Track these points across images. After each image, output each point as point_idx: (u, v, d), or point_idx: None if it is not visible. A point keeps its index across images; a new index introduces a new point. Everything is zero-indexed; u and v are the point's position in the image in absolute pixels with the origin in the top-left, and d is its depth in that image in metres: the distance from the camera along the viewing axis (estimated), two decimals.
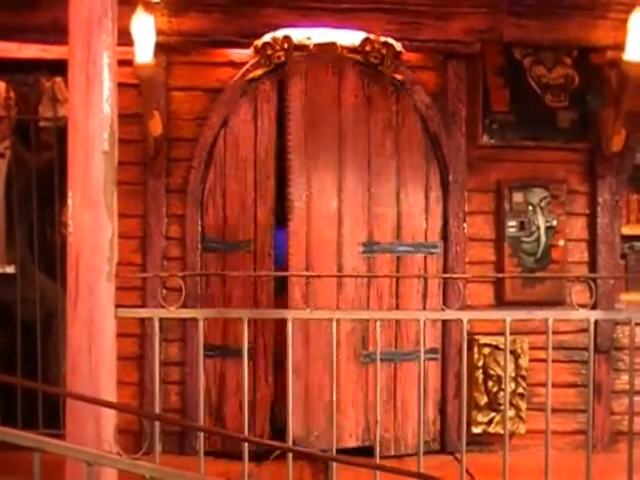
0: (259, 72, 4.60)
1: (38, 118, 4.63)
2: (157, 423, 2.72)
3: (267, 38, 4.53)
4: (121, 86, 4.53)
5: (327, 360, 4.52)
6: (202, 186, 4.67)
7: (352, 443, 4.60)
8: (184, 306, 4.67)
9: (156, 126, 4.46)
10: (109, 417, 2.59)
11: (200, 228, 4.68)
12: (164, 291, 4.67)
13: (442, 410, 4.77)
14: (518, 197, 4.81)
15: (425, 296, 4.75)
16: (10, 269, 4.50)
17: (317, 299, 4.42)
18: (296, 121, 4.64)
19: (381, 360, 4.29)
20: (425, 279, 4.75)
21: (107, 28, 2.59)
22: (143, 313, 2.83)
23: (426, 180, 4.84)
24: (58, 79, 4.59)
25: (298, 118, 4.64)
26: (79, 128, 2.60)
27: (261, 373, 4.67)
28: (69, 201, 2.63)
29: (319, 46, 4.57)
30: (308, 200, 4.65)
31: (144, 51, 4.25)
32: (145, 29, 4.20)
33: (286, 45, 4.55)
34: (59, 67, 4.60)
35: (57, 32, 4.45)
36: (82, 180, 2.60)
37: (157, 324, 2.72)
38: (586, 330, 3.23)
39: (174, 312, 2.72)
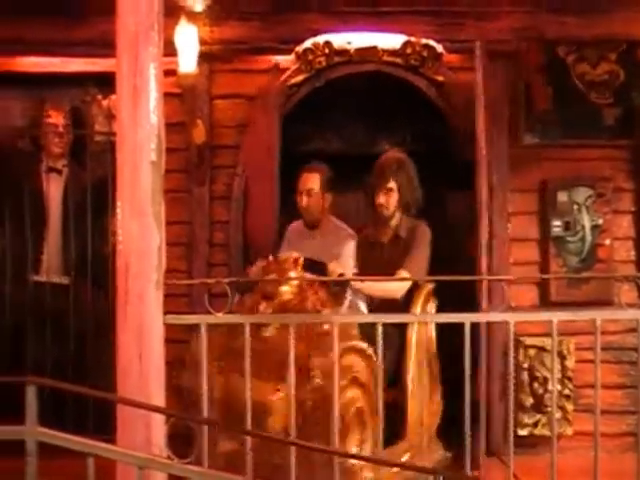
0: (300, 78, 4.65)
1: (94, 134, 4.73)
2: (205, 428, 2.77)
3: (308, 44, 4.58)
4: (165, 96, 4.70)
5: None
6: (245, 192, 4.72)
7: None
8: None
9: (199, 134, 4.53)
10: (159, 422, 2.63)
11: (243, 234, 4.74)
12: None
13: (487, 412, 4.73)
14: (562, 196, 4.76)
15: None
16: (65, 280, 4.60)
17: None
18: None
19: None
20: None
21: (153, 40, 2.65)
22: (191, 319, 2.86)
23: None
24: (113, 96, 4.67)
25: None
26: (127, 139, 2.66)
27: None
28: (118, 211, 2.69)
29: (359, 51, 4.60)
30: None
31: (187, 61, 4.33)
32: (188, 39, 4.28)
33: (327, 50, 4.58)
34: (108, 80, 4.77)
35: (105, 46, 4.63)
36: (130, 190, 2.65)
37: (204, 330, 2.76)
38: (634, 330, 3.19)
39: (221, 318, 2.76)
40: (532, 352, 4.63)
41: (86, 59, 4.66)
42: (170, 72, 4.59)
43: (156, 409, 2.51)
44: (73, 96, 4.86)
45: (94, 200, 4.53)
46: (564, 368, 4.63)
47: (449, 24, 4.65)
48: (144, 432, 2.63)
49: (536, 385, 4.64)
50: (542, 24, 4.66)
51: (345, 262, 4.02)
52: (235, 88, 4.70)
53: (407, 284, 3.85)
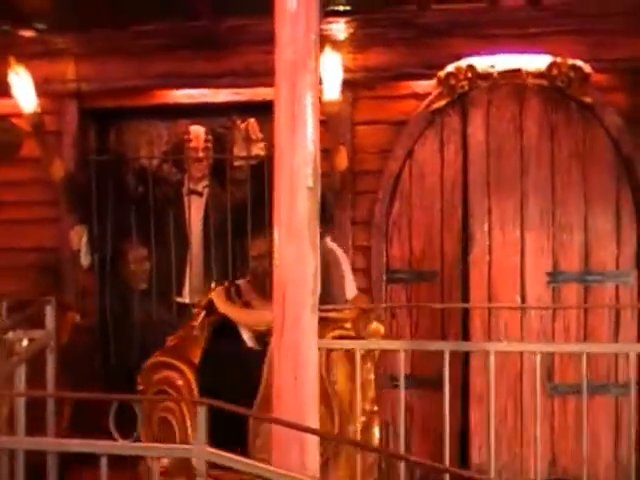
0: (442, 103, 4.61)
1: (234, 158, 4.87)
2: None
3: (451, 68, 4.54)
4: None
5: (511, 391, 4.48)
6: (387, 218, 4.72)
7: (537, 476, 4.43)
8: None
9: (342, 160, 4.57)
10: (313, 444, 2.64)
11: (385, 259, 4.73)
12: None
13: (638, 449, 4.48)
14: None
15: (618, 328, 4.53)
16: None
17: (499, 330, 4.37)
18: (477, 151, 4.62)
19: (569, 393, 4.13)
20: (617, 310, 4.53)
21: (310, 69, 2.69)
22: (346, 345, 2.86)
23: (617, 206, 4.63)
24: (251, 120, 4.82)
25: (479, 148, 4.62)
26: (284, 165, 2.70)
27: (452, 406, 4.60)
28: (275, 236, 2.73)
29: (503, 74, 4.52)
30: (490, 230, 4.60)
31: (332, 88, 4.38)
32: (333, 67, 4.34)
33: (470, 74, 4.54)
34: (251, 108, 4.95)
35: (249, 76, 4.81)
36: (287, 215, 2.69)
37: (359, 355, 2.75)
38: None
39: (375, 343, 2.75)
40: None
41: (233, 89, 4.85)
42: None
43: (312, 431, 2.51)
44: (215, 123, 5.06)
45: (234, 221, 4.65)
46: None
47: (598, 43, 4.50)
48: (299, 454, 2.63)
49: None
50: None
51: None
52: (377, 114, 4.73)
53: None
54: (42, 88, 4.80)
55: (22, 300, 3.51)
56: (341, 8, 4.47)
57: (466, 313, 4.61)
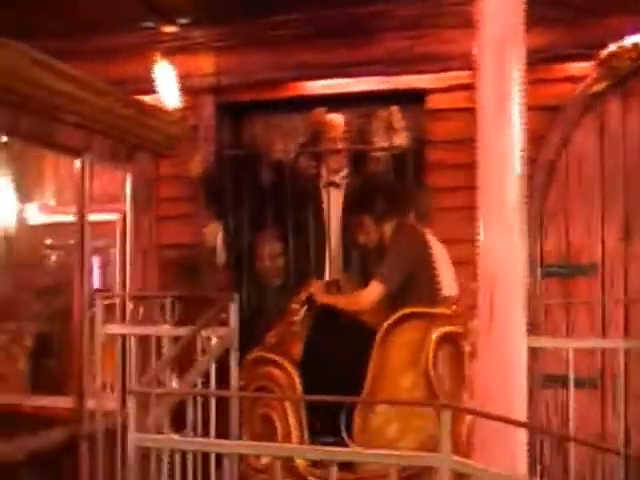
0: (602, 86, 4.32)
1: (375, 149, 4.71)
2: None
3: (613, 47, 4.25)
4: (456, 111, 4.61)
5: None
6: (541, 207, 4.47)
7: None
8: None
9: None
10: (522, 445, 2.46)
11: (539, 252, 4.48)
12: None
13: None
14: None
15: None
16: None
17: None
18: (634, 142, 4.33)
19: None
20: None
21: (519, 44, 2.52)
22: (558, 343, 2.66)
23: None
24: (394, 108, 4.64)
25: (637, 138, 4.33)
26: (490, 150, 2.53)
27: (609, 405, 4.34)
28: (480, 226, 2.56)
29: None
30: None
31: None
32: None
33: (635, 54, 4.23)
34: (391, 97, 4.77)
35: (392, 64, 4.64)
36: (495, 204, 2.52)
37: (572, 356, 2.54)
38: None
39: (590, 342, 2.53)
40: None
41: (372, 77, 4.68)
42: (463, 87, 4.51)
43: (520, 424, 2.31)
44: (353, 113, 4.89)
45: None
46: None
47: None
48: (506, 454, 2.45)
49: None
50: None
51: None
52: (530, 99, 4.46)
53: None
54: (181, 83, 4.77)
55: (187, 296, 3.44)
56: None
57: (627, 309, 4.33)
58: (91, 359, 3.12)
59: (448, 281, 4.14)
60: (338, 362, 4.28)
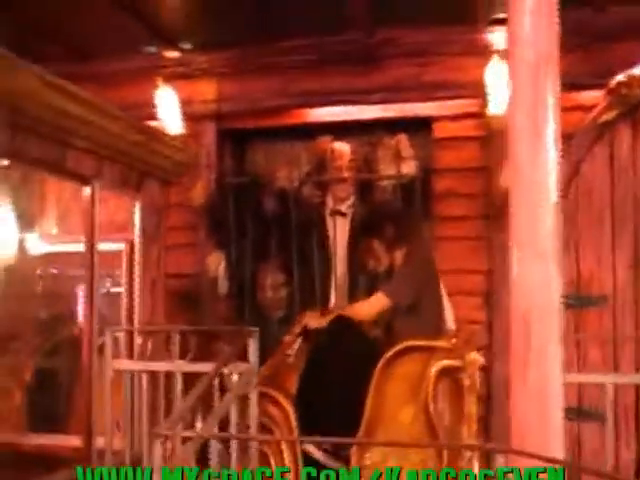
0: (612, 114, 4.28)
1: (382, 177, 4.62)
2: None
3: (622, 77, 4.22)
4: (464, 139, 4.56)
5: None
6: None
7: None
8: None
9: (504, 178, 4.28)
10: None
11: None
12: None
13: None
14: None
15: None
16: None
17: None
18: None
19: None
20: None
21: (554, 70, 2.44)
22: (594, 379, 2.56)
23: None
24: (402, 136, 4.57)
25: None
26: (524, 177, 2.44)
27: (622, 437, 4.24)
28: (513, 257, 2.46)
29: None
30: None
31: (498, 102, 4.12)
32: (499, 80, 4.08)
33: None
34: (398, 125, 4.70)
35: (399, 91, 4.57)
36: (530, 234, 2.42)
37: (611, 390, 2.45)
38: None
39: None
40: None
41: (379, 105, 4.62)
42: (470, 115, 4.46)
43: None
44: (357, 141, 4.82)
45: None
46: None
47: None
48: None
49: None
50: None
51: None
52: None
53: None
54: (182, 109, 4.67)
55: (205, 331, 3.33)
56: (502, 15, 4.20)
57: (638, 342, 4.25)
58: (99, 396, 2.97)
59: (448, 314, 4.08)
60: (332, 395, 4.18)
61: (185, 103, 4.67)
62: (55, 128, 2.55)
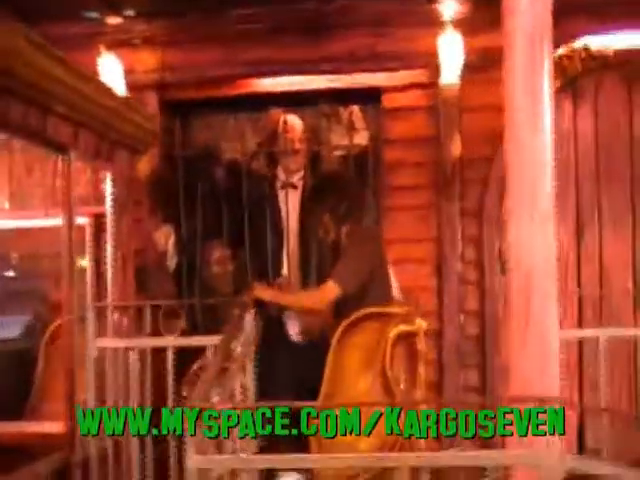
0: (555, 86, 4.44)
1: (335, 148, 4.63)
2: None
3: (563, 49, 4.38)
4: (413, 109, 4.61)
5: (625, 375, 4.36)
6: (498, 207, 4.54)
7: None
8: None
9: (456, 148, 4.39)
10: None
11: (498, 251, 4.55)
12: (462, 316, 4.64)
13: None
14: None
15: None
16: None
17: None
18: (585, 141, 4.51)
19: None
20: None
21: (548, 40, 2.54)
22: (586, 333, 2.69)
23: None
24: (355, 108, 4.59)
25: (588, 138, 4.51)
26: (524, 145, 2.53)
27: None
28: (512, 221, 2.55)
29: (620, 53, 4.38)
30: (600, 222, 4.51)
31: (449, 72, 4.20)
32: (452, 49, 4.16)
33: (583, 55, 4.39)
34: (347, 96, 4.71)
35: (352, 62, 4.57)
36: (531, 199, 2.52)
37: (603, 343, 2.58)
38: None
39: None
40: None
41: (329, 76, 4.61)
42: (420, 85, 4.52)
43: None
44: (306, 112, 4.79)
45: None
46: None
47: None
48: None
49: None
50: None
51: None
52: (487, 99, 4.53)
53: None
54: (124, 79, 4.51)
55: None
56: None
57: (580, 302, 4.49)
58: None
59: (394, 285, 4.14)
60: (287, 365, 4.19)
61: (127, 72, 4.51)
62: (38, 91, 2.41)
